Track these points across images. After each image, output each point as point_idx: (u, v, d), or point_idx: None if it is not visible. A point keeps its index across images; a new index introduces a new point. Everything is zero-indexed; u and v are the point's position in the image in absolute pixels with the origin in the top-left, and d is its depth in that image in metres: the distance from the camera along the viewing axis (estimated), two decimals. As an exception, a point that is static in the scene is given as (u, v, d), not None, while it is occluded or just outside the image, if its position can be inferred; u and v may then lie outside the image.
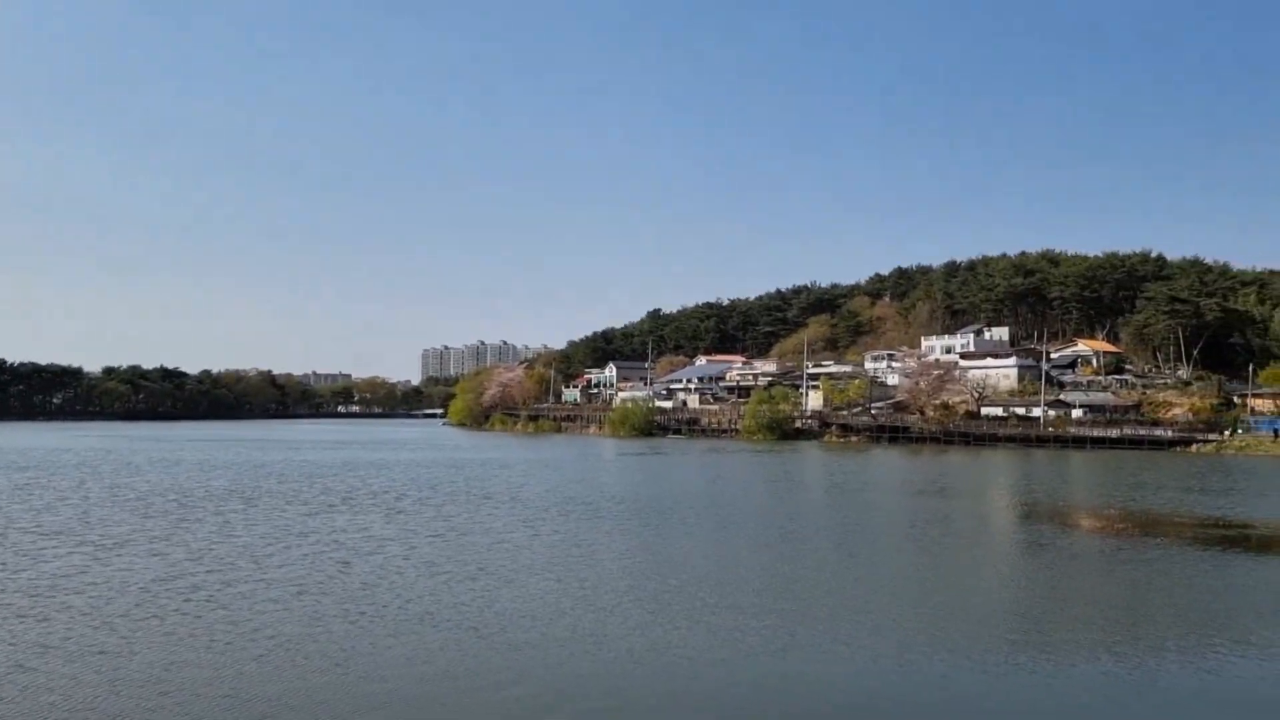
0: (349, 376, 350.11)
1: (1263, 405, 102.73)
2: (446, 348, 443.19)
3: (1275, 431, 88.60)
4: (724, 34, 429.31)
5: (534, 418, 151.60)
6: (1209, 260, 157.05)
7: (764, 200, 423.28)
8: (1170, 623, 18.18)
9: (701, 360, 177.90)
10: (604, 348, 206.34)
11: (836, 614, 18.57)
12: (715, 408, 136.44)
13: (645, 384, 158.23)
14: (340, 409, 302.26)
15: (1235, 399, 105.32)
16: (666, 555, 26.27)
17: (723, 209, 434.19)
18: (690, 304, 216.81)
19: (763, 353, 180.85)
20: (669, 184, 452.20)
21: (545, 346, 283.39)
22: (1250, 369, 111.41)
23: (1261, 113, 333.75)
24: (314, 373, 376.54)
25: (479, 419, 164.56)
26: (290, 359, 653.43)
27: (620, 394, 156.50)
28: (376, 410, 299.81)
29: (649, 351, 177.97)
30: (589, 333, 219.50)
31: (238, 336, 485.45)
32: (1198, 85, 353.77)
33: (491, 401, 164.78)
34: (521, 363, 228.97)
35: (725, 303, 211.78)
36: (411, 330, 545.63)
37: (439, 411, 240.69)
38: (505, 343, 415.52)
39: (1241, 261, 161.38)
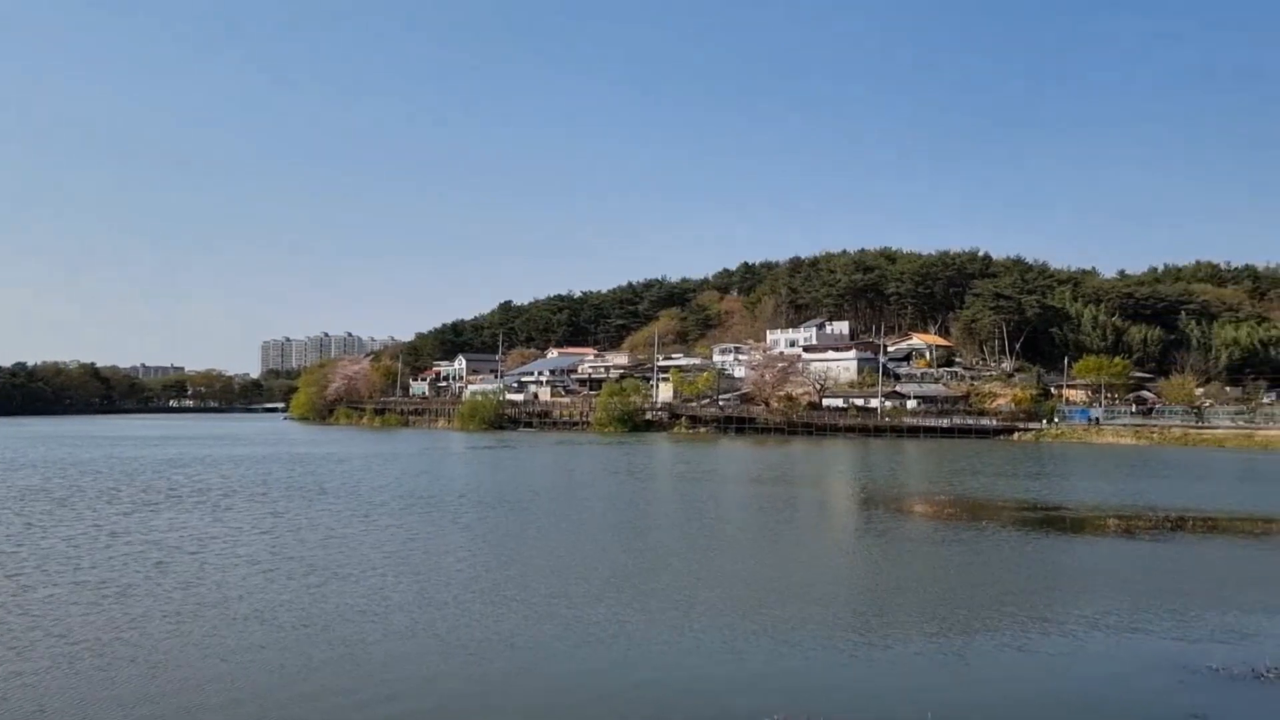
0: (182, 370, 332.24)
1: (1076, 395, 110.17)
2: (288, 339, 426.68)
3: (1093, 420, 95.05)
4: (563, 14, 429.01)
5: (380, 411, 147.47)
6: (1030, 260, 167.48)
7: (616, 195, 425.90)
8: (993, 602, 18.93)
9: (553, 353, 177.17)
10: (453, 340, 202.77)
11: (675, 601, 18.53)
12: (567, 400, 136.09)
13: (496, 377, 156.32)
14: (173, 404, 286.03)
15: (1052, 390, 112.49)
16: (509, 547, 25.77)
17: (574, 202, 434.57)
18: (542, 296, 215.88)
19: (614, 345, 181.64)
20: (520, 176, 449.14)
21: (392, 338, 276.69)
22: (1065, 361, 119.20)
23: (1081, 119, 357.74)
24: (143, 365, 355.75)
25: (323, 413, 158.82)
26: (117, 352, 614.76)
27: (470, 387, 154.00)
28: (212, 405, 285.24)
29: (500, 344, 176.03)
30: (438, 325, 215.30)
31: (60, 329, 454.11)
32: (1022, 91, 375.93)
33: (336, 395, 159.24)
34: (368, 355, 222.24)
35: (577, 295, 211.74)
36: (250, 321, 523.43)
37: (280, 406, 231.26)
38: (350, 334, 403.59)
39: (1058, 262, 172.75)
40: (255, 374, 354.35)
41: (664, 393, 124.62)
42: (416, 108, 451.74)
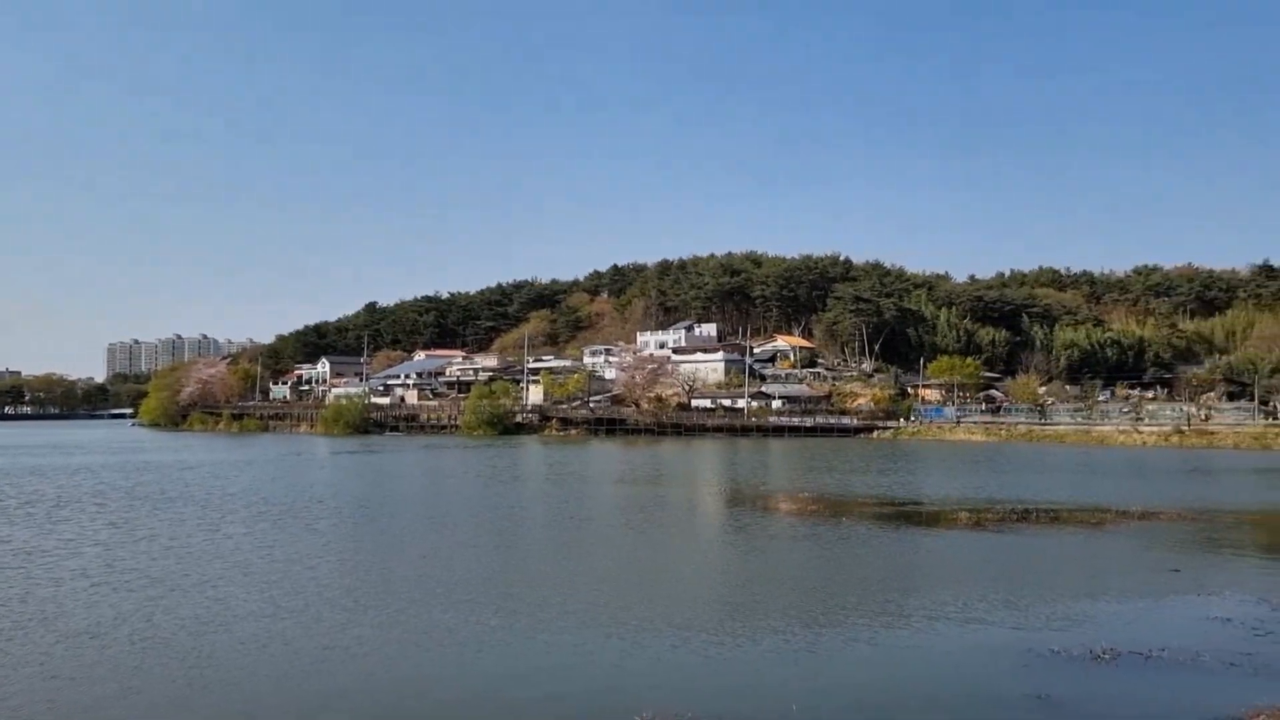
0: (19, 374, 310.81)
1: (931, 395, 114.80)
2: (137, 342, 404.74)
3: (956, 419, 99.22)
4: (453, 18, 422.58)
5: (238, 416, 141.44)
6: (888, 264, 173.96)
7: (485, 196, 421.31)
8: (853, 595, 19.34)
9: (421, 355, 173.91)
10: (316, 342, 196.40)
11: (539, 603, 18.23)
12: (435, 403, 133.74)
13: (361, 380, 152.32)
14: (8, 410, 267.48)
15: (909, 389, 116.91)
16: (367, 554, 24.92)
17: (442, 203, 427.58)
18: (409, 297, 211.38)
19: (484, 347, 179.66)
20: (385, 174, 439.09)
21: (251, 340, 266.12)
22: (921, 362, 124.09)
23: (937, 130, 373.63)
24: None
25: (175, 419, 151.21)
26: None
27: (334, 390, 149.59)
28: (53, 411, 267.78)
29: (365, 346, 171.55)
30: (300, 326, 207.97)
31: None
32: (885, 100, 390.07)
33: (190, 400, 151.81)
34: (224, 358, 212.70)
35: (445, 297, 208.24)
36: (96, 323, 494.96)
37: (129, 412, 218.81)
38: (205, 336, 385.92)
39: (914, 266, 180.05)
40: (101, 378, 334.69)
41: (534, 395, 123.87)
42: (273, 100, 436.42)
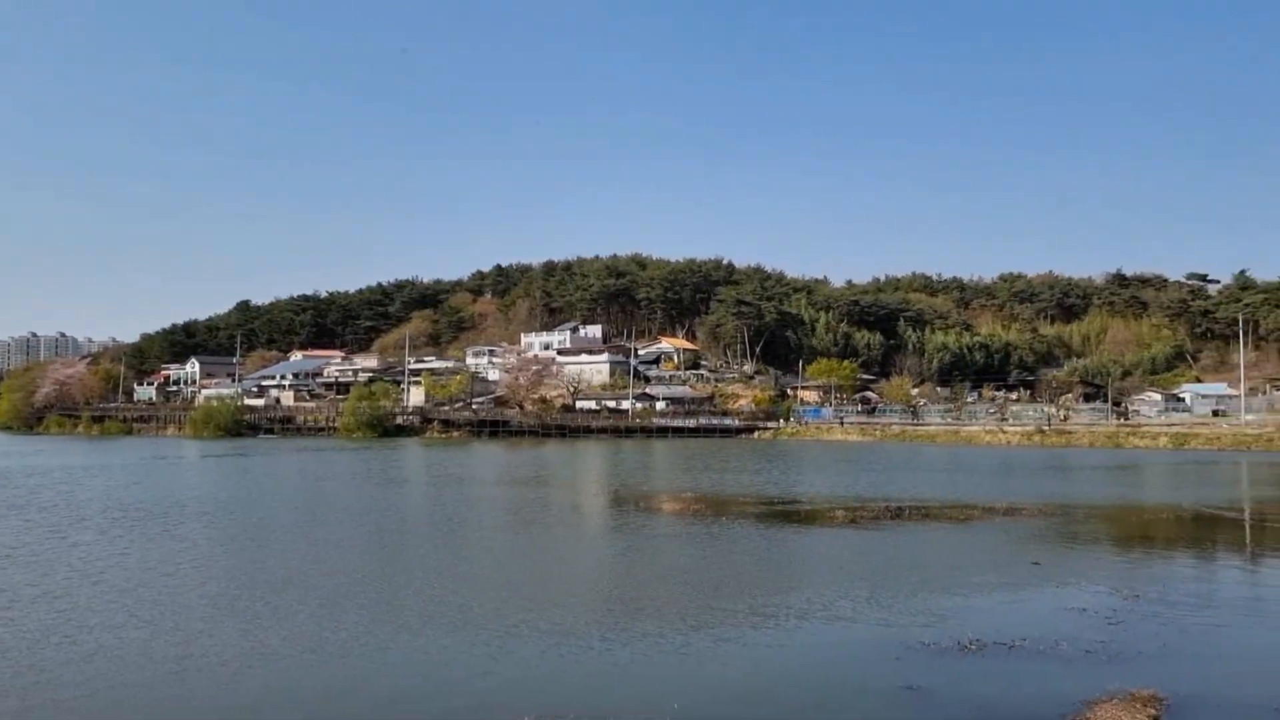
0: None
1: (810, 396, 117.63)
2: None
3: (843, 420, 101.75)
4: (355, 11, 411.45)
5: (99, 419, 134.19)
6: (769, 268, 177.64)
7: (366, 193, 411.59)
8: (734, 593, 19.60)
9: (297, 355, 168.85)
10: (185, 341, 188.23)
11: (417, 606, 17.86)
12: (312, 405, 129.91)
13: (233, 381, 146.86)
14: None
15: (789, 390, 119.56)
16: (234, 559, 23.94)
17: (320, 200, 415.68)
18: (284, 296, 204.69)
19: (363, 348, 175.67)
20: (262, 167, 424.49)
21: (114, 339, 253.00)
22: (800, 364, 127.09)
23: (817, 137, 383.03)
24: None
25: (30, 421, 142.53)
26: None
27: (204, 392, 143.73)
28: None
29: (238, 346, 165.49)
30: (167, 325, 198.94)
31: None
32: (765, 106, 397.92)
33: (46, 401, 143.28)
34: (85, 357, 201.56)
35: (323, 296, 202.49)
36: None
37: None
38: (64, 335, 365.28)
39: (794, 270, 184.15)
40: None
41: (416, 396, 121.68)
42: (140, 89, 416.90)
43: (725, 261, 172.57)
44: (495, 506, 37.23)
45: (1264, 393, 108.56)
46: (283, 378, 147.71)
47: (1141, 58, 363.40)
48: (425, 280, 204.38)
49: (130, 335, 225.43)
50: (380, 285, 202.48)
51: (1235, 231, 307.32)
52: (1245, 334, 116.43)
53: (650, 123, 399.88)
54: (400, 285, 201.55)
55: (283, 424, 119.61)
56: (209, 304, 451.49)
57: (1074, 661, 14.09)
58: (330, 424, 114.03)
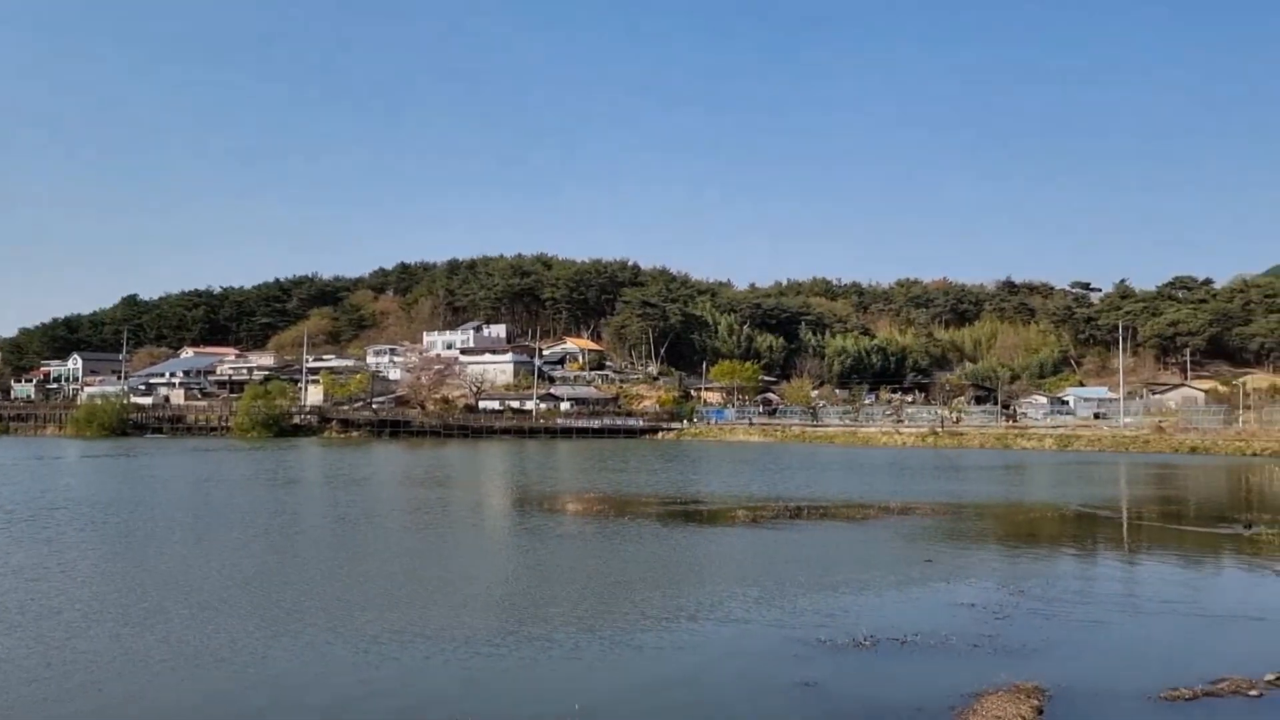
0: None
1: (713, 397, 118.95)
2: None
3: (750, 420, 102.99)
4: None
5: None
6: (675, 271, 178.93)
7: (262, 186, 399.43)
8: (634, 594, 19.65)
9: (189, 352, 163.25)
10: (67, 337, 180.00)
11: (310, 611, 17.37)
12: (204, 404, 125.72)
13: (120, 378, 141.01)
14: None
15: (692, 392, 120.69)
16: (112, 562, 22.89)
17: (217, 190, 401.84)
18: (175, 291, 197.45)
19: (259, 346, 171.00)
20: (150, 157, 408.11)
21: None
22: (704, 366, 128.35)
23: (720, 143, 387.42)
24: None
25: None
26: None
27: (88, 389, 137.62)
28: None
29: (124, 342, 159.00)
30: (48, 319, 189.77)
31: None
32: (671, 112, 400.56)
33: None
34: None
35: (217, 291, 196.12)
36: None
37: None
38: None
39: (699, 273, 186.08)
40: None
41: (314, 395, 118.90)
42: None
43: (631, 263, 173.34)
44: (393, 507, 36.56)
45: (1141, 396, 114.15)
46: (173, 375, 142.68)
47: (1025, 74, 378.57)
48: (325, 277, 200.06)
49: (8, 330, 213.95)
50: (278, 281, 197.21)
51: (1116, 243, 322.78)
52: (1124, 340, 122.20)
53: (555, 122, 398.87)
54: (299, 281, 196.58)
55: (172, 423, 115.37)
56: (93, 298, 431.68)
57: (963, 655, 14.55)
58: (223, 423, 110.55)
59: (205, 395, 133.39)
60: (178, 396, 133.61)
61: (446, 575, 22.07)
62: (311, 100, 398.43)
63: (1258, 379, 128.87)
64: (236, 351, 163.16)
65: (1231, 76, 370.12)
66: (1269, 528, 28.67)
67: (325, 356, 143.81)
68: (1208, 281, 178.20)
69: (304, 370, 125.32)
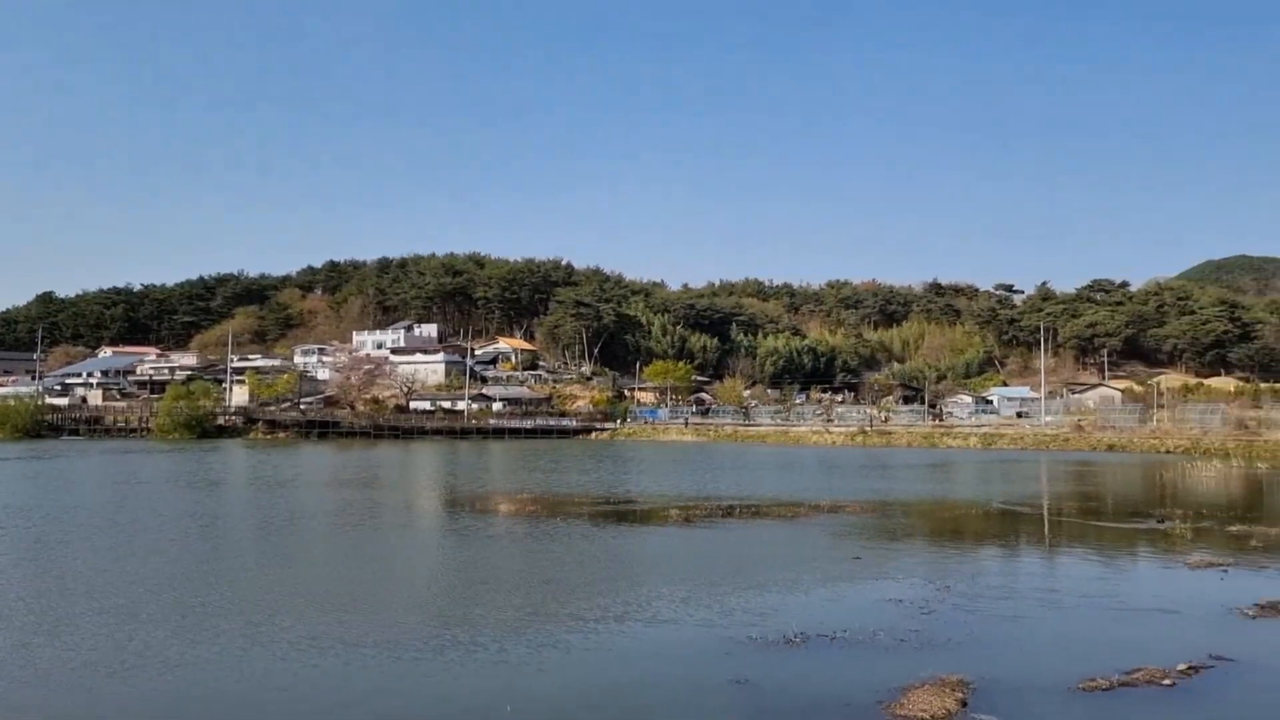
0: None
1: (646, 397, 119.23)
2: None
3: (684, 421, 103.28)
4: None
5: None
6: (608, 270, 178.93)
7: (186, 180, 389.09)
8: (566, 594, 19.56)
9: (107, 352, 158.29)
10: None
11: (232, 616, 16.94)
12: (123, 405, 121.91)
13: (34, 378, 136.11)
14: None
15: (626, 392, 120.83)
16: (17, 567, 22.11)
17: (137, 185, 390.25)
18: (93, 288, 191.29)
19: (182, 345, 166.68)
20: (64, 148, 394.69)
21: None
22: (638, 366, 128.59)
23: (650, 146, 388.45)
24: None
25: None
26: None
27: (0, 390, 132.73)
28: None
29: (39, 341, 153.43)
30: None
31: None
32: (602, 112, 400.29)
33: None
34: None
35: (137, 289, 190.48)
36: None
37: None
38: None
39: (632, 273, 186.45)
40: None
41: (239, 396, 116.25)
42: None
43: (564, 262, 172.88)
44: (319, 509, 35.87)
45: (1061, 396, 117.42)
46: (90, 375, 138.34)
47: (951, 79, 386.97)
48: (251, 274, 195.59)
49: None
50: (201, 279, 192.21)
51: (1038, 246, 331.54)
52: (1045, 341, 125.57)
53: (489, 121, 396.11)
54: (223, 279, 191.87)
55: (90, 425, 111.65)
56: (6, 295, 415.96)
57: (890, 650, 14.79)
58: (144, 425, 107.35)
59: (125, 396, 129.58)
60: (95, 397, 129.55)
61: (371, 578, 21.73)
62: (237, 95, 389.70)
63: (1171, 379, 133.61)
64: (158, 351, 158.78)
65: (1154, 91, 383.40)
66: (1181, 522, 29.69)
67: (251, 356, 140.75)
68: (1124, 284, 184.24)
69: (229, 370, 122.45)
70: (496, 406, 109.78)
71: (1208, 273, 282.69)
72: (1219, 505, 36.19)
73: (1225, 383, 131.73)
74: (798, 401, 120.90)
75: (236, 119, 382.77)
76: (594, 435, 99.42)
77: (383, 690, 12.96)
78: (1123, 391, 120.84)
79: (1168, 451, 71.51)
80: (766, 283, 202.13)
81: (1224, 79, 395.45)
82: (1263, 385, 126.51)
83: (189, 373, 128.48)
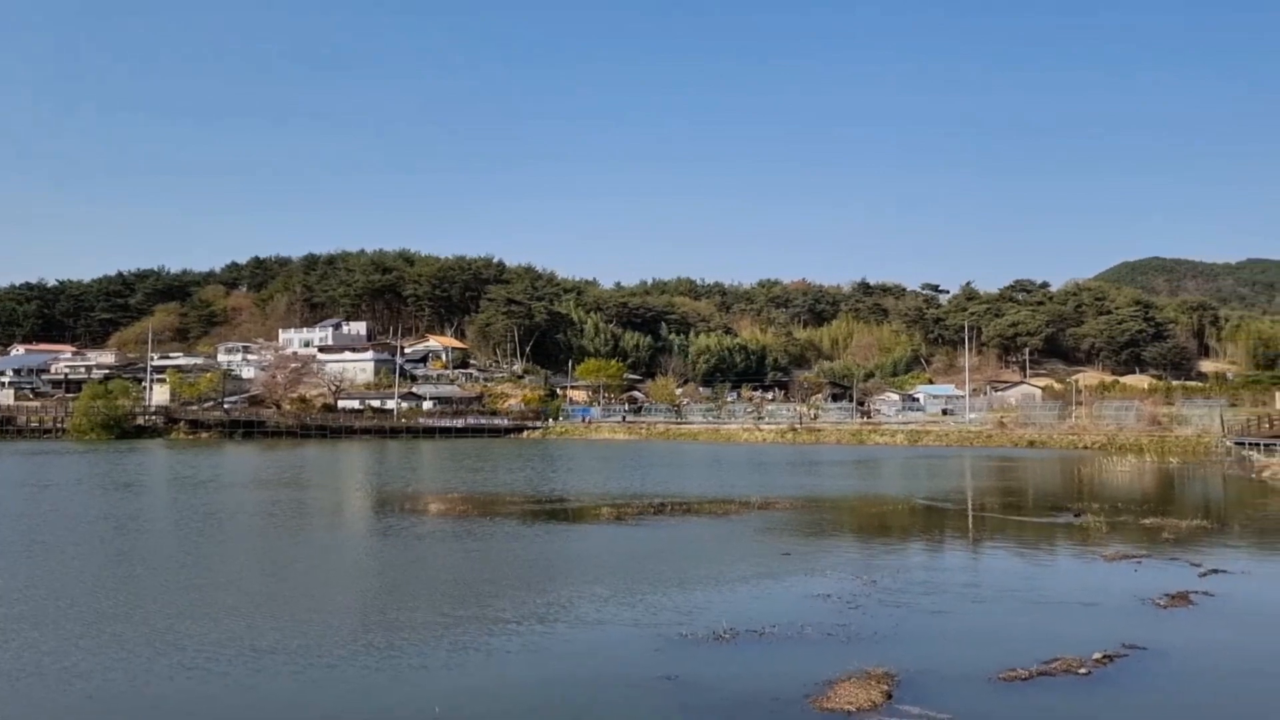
0: None
1: (579, 395, 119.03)
2: None
3: (624, 418, 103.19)
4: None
5: None
6: (540, 268, 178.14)
7: (103, 171, 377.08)
8: (496, 594, 19.41)
9: (19, 349, 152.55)
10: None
11: (145, 625, 16.40)
12: (36, 404, 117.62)
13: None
14: None
15: (558, 390, 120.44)
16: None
17: (48, 176, 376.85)
18: (4, 284, 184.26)
19: (99, 343, 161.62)
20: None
21: None
22: (570, 364, 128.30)
23: (572, 149, 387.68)
24: None
25: None
26: None
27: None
28: None
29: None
30: None
31: None
32: (527, 112, 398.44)
33: None
34: None
35: (51, 284, 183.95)
36: None
37: None
38: None
39: (565, 271, 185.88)
40: None
41: (160, 395, 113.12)
42: None
43: (496, 260, 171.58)
44: (241, 510, 35.04)
45: (985, 394, 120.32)
46: (1, 374, 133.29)
47: (889, 82, 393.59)
48: (173, 270, 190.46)
49: None
50: (120, 274, 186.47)
51: (962, 246, 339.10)
52: (969, 340, 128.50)
53: (418, 113, 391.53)
54: (143, 275, 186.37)
55: (1, 426, 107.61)
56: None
57: (818, 644, 14.98)
58: (58, 425, 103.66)
59: (38, 395, 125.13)
60: (7, 397, 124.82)
61: (289, 581, 21.24)
62: (156, 89, 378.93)
63: (1088, 377, 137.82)
64: (73, 349, 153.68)
65: (1073, 98, 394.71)
66: (1097, 516, 30.61)
67: (173, 354, 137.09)
68: (1045, 285, 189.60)
69: (149, 369, 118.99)
70: (427, 405, 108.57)
71: (1123, 274, 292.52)
72: (1133, 499, 37.41)
73: (1139, 380, 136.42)
74: (729, 400, 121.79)
75: (158, 113, 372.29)
76: (526, 434, 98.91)
77: (292, 700, 12.59)
78: (1043, 389, 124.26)
79: (1085, 447, 73.70)
80: (699, 282, 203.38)
81: (1135, 85, 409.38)
82: (1174, 383, 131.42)
83: (107, 371, 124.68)
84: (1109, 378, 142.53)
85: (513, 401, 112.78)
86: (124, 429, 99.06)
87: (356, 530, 31.23)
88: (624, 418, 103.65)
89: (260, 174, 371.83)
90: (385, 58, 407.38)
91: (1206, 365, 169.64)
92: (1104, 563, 22.79)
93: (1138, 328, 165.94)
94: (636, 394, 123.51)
